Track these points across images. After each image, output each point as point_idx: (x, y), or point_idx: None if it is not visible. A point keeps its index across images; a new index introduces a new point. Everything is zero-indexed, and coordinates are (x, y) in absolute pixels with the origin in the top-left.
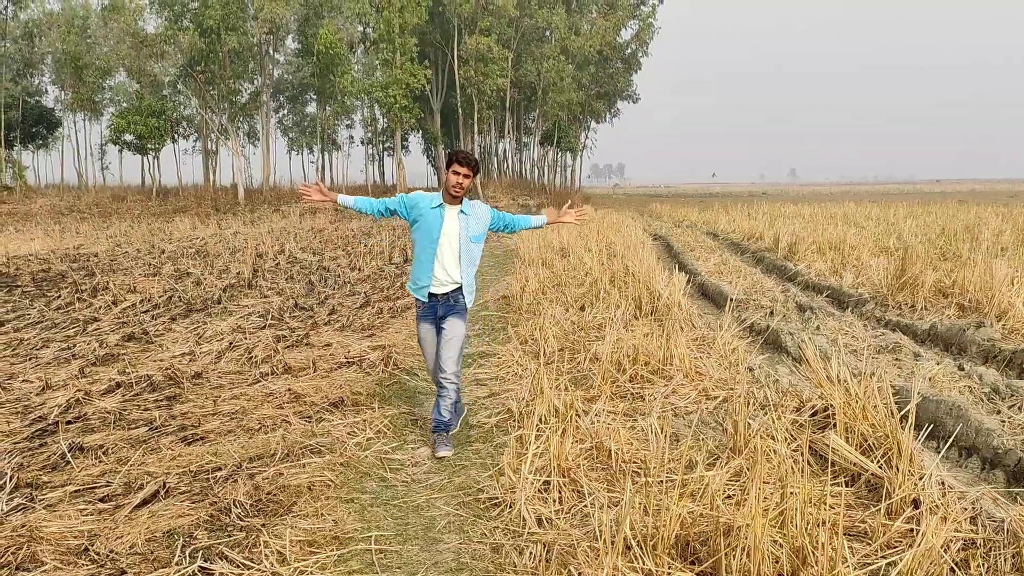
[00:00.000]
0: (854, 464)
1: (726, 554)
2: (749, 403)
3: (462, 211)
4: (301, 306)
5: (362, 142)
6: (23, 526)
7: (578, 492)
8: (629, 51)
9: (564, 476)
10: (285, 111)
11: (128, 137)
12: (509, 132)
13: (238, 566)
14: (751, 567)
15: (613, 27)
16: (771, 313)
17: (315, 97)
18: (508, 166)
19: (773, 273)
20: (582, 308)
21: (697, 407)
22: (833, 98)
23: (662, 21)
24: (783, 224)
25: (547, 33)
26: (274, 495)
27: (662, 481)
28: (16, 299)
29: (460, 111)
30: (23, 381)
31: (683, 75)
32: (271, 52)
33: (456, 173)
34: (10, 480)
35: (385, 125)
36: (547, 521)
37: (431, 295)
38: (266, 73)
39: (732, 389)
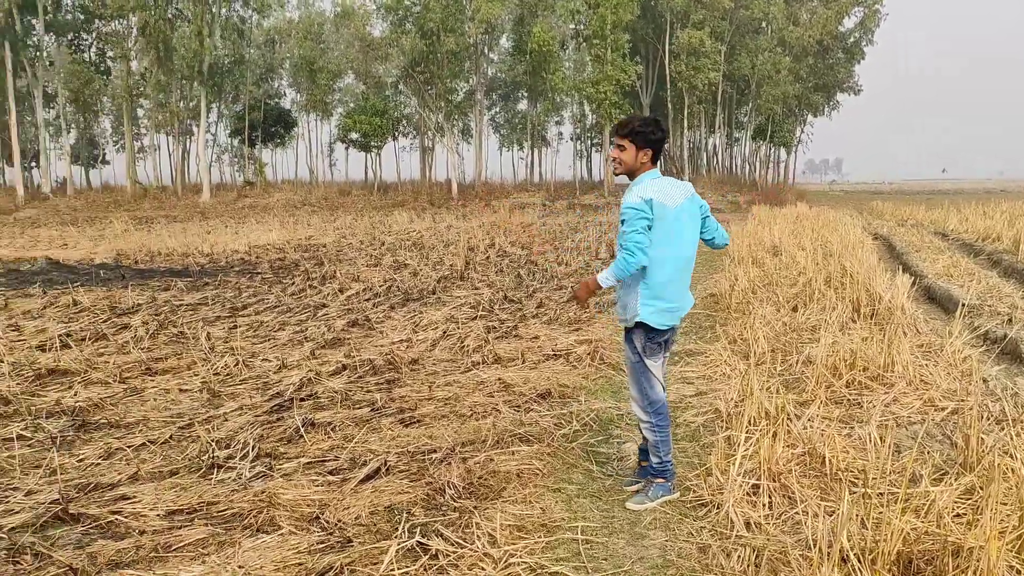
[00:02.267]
0: None
1: None
2: (983, 416)
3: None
4: (510, 298)
5: (571, 138)
6: (264, 492)
7: (789, 498)
8: (852, 40)
9: (774, 481)
10: (497, 109)
11: (354, 135)
12: (719, 127)
13: (453, 544)
14: None
15: (835, 15)
16: (1009, 320)
17: (526, 94)
18: (718, 162)
19: (1012, 277)
20: (794, 309)
21: (922, 418)
22: None
23: (890, 6)
24: None
25: (763, 24)
26: (485, 479)
27: (882, 493)
28: (256, 285)
29: (669, 106)
30: (263, 360)
31: (910, 63)
32: (486, 51)
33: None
34: (252, 450)
35: (594, 121)
36: (756, 525)
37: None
38: (480, 72)
39: (963, 401)
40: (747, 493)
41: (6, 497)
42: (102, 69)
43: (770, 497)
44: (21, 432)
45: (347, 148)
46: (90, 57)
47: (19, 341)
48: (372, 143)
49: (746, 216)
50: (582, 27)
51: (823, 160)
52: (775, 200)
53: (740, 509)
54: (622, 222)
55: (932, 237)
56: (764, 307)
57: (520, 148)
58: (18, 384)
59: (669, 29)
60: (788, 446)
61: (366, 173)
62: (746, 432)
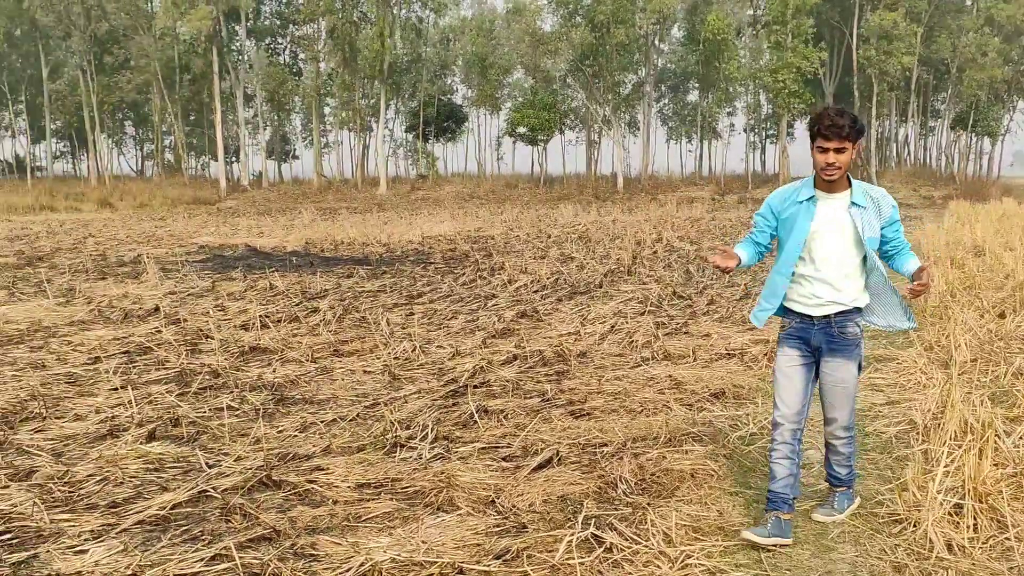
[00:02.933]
0: None
1: None
2: None
3: (854, 202)
4: (679, 295)
5: (743, 130)
6: (442, 473)
7: (998, 522)
8: None
9: (981, 501)
10: (666, 100)
11: (522, 129)
12: (913, 115)
13: (627, 539)
14: None
15: None
16: None
17: (697, 85)
18: (910, 153)
19: None
20: (1001, 315)
21: None
22: None
23: None
24: None
25: (967, 2)
26: (658, 477)
27: None
28: (430, 274)
29: (856, 94)
30: (438, 347)
31: None
32: (656, 42)
33: (822, 150)
34: (431, 432)
35: (770, 111)
36: (959, 548)
37: (795, 315)
38: (650, 63)
39: None
40: (948, 513)
41: (219, 461)
42: (295, 70)
43: (976, 519)
44: (230, 403)
45: (514, 142)
46: (284, 59)
47: (225, 320)
48: (539, 137)
49: (942, 212)
50: (760, 13)
51: None
52: (976, 195)
53: (941, 529)
54: (893, 222)
55: None
56: (965, 312)
57: (688, 140)
58: (226, 359)
59: (858, 11)
60: (997, 465)
61: (532, 166)
62: (947, 447)
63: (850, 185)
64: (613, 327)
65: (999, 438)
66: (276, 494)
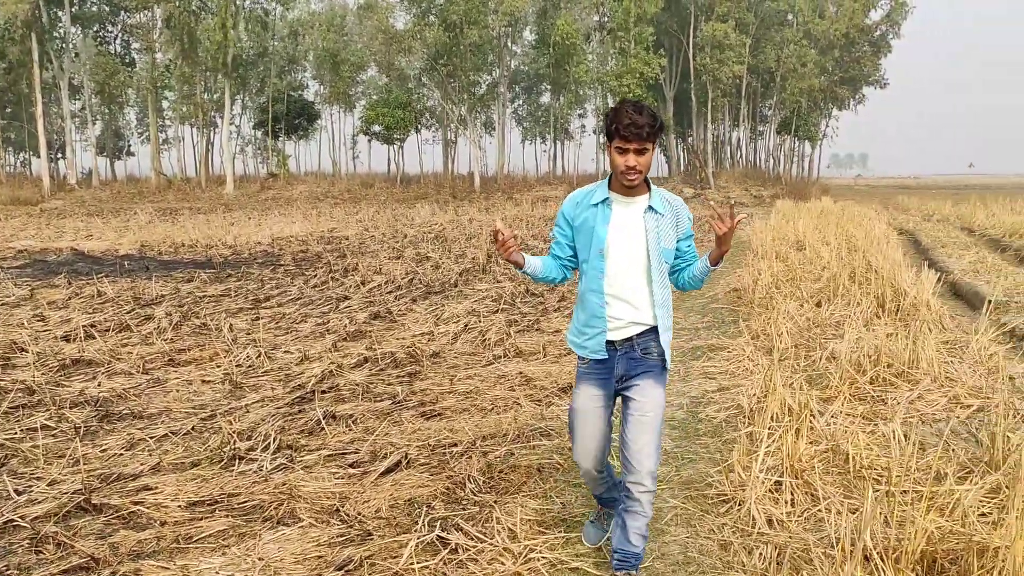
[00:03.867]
0: None
1: None
2: (1009, 414)
3: (651, 207)
4: (532, 292)
5: (594, 131)
6: (284, 484)
7: (812, 496)
8: (878, 32)
9: (797, 478)
10: (520, 102)
11: (377, 128)
12: (744, 120)
13: (472, 539)
14: None
15: (862, 7)
16: None
17: (549, 87)
18: (742, 155)
19: None
20: (818, 304)
21: (947, 415)
22: None
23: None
24: None
25: (789, 17)
26: (505, 474)
27: (906, 492)
28: (279, 277)
29: (693, 99)
30: (285, 352)
31: (939, 56)
32: (509, 44)
33: (622, 151)
34: (274, 441)
35: None
36: (778, 523)
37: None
38: (504, 65)
39: (989, 398)
40: (769, 490)
41: (30, 487)
42: (127, 61)
43: (793, 494)
44: (45, 422)
45: (370, 140)
46: (115, 49)
47: (44, 331)
48: (395, 136)
49: (770, 210)
50: (606, 20)
51: (848, 155)
52: (799, 194)
53: (762, 506)
54: (689, 236)
55: (958, 233)
56: (787, 302)
57: (543, 141)
58: (43, 374)
59: (694, 22)
60: (811, 443)
61: (388, 166)
62: (769, 428)
63: (648, 190)
64: (467, 326)
65: (813, 418)
66: (96, 519)
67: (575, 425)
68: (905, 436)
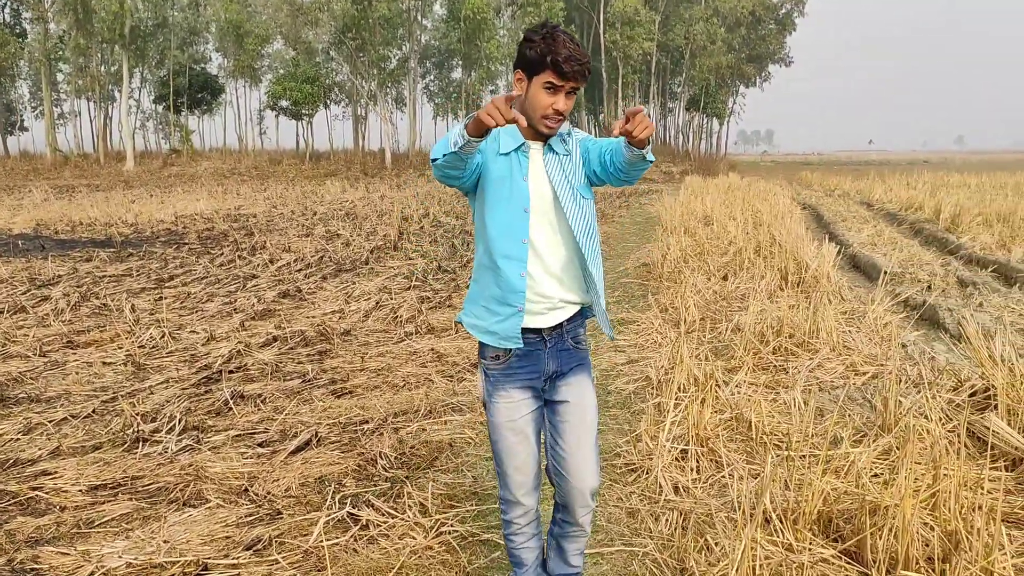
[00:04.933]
0: (1016, 448)
1: (872, 533)
2: (901, 380)
3: (550, 147)
4: (444, 268)
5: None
6: (191, 465)
7: (716, 462)
8: (784, 11)
9: (702, 446)
10: (431, 77)
11: (284, 103)
12: (654, 97)
13: (383, 514)
14: (899, 548)
15: None
16: (928, 288)
17: (460, 63)
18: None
19: (932, 246)
20: (725, 277)
21: (844, 382)
22: (1012, 57)
23: None
24: (946, 194)
25: None
26: (417, 449)
27: (804, 456)
28: (184, 255)
29: (604, 76)
30: (191, 332)
31: (840, 35)
32: (419, 18)
33: (552, 89)
34: (179, 423)
35: None
36: (684, 489)
37: (528, 333)
38: (414, 39)
39: (883, 365)
40: (676, 458)
41: None
42: (17, 32)
43: (698, 461)
44: None
45: (277, 116)
46: (4, 19)
47: None
48: (303, 111)
49: (679, 186)
50: None
51: (755, 131)
52: (708, 170)
53: (669, 474)
54: (598, 144)
55: (858, 207)
56: (695, 276)
57: (455, 117)
58: None
59: None
60: (716, 412)
61: (297, 142)
62: (675, 399)
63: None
64: (378, 303)
65: (719, 388)
66: None
67: (503, 449)
68: (805, 403)
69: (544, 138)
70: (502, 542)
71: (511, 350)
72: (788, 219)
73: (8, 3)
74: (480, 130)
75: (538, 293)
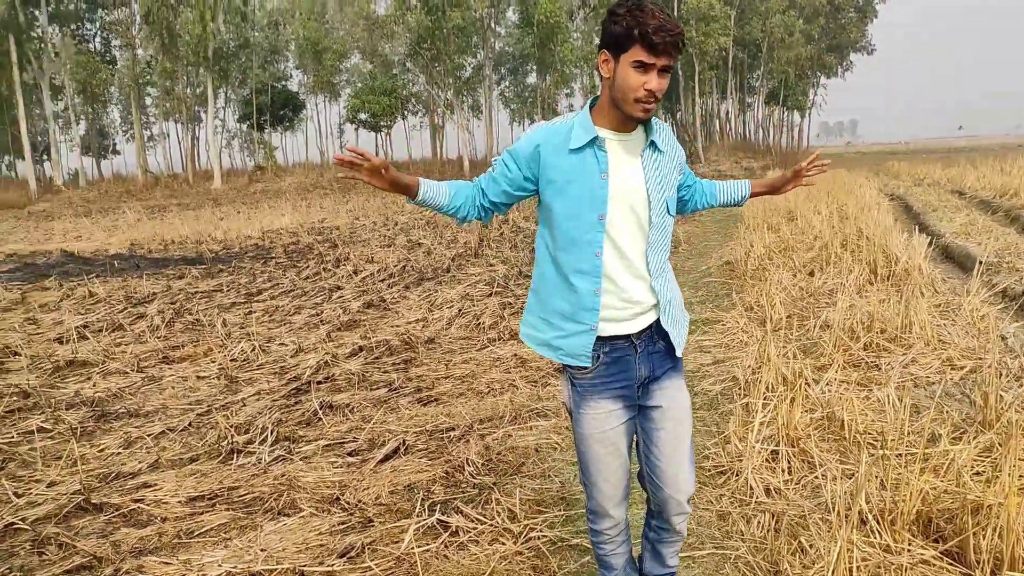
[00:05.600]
0: None
1: (975, 533)
2: (1001, 374)
3: (652, 143)
4: (525, 274)
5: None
6: (283, 475)
7: (808, 463)
8: None
9: (793, 446)
10: (506, 83)
11: (363, 116)
12: (732, 93)
13: (472, 521)
14: (1004, 548)
15: None
16: None
17: (535, 68)
18: (731, 128)
19: None
20: (811, 273)
21: (940, 378)
22: None
23: None
24: None
25: None
26: (503, 455)
27: (901, 455)
28: (271, 269)
29: (680, 73)
30: (280, 344)
31: (926, 19)
32: (492, 26)
33: (642, 67)
34: (271, 434)
35: None
36: (775, 491)
37: (607, 342)
38: (488, 47)
39: (981, 359)
40: (766, 459)
41: (29, 489)
42: (108, 59)
43: (789, 462)
44: (42, 424)
45: (356, 129)
46: (95, 47)
47: (37, 334)
48: (381, 123)
49: None
50: None
51: (837, 123)
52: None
53: (759, 475)
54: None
55: (949, 195)
56: (780, 272)
57: (531, 121)
58: (37, 377)
59: None
60: (807, 411)
61: (377, 153)
62: (764, 398)
63: (648, 123)
64: (460, 311)
65: (808, 386)
66: (97, 518)
67: (590, 460)
68: (899, 400)
69: (628, 128)
70: (591, 546)
71: (599, 356)
72: (875, 211)
73: (99, 32)
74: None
75: (624, 300)
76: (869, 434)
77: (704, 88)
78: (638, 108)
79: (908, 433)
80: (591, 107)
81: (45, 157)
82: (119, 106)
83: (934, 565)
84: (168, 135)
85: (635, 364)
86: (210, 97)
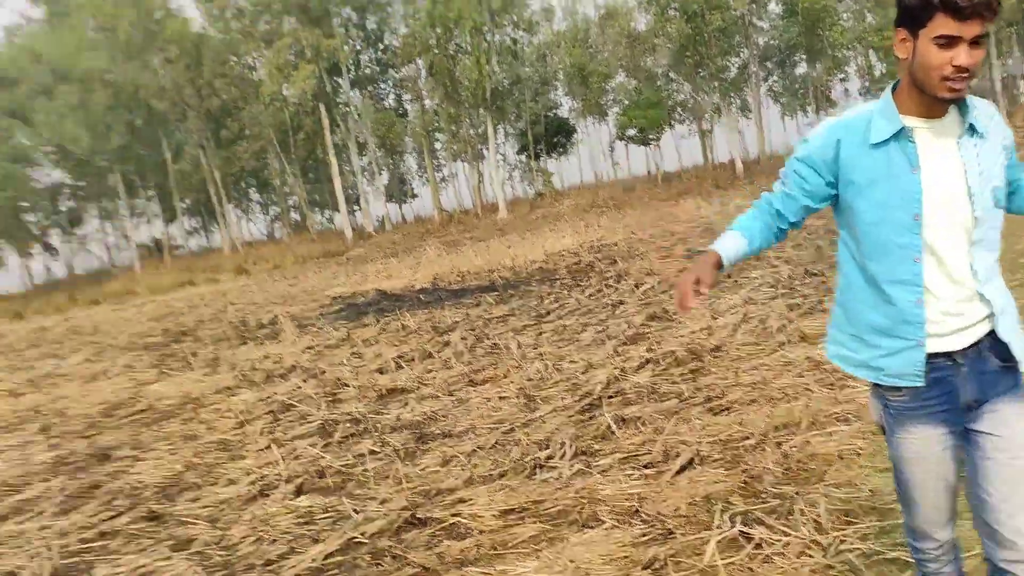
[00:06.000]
0: None
1: None
2: None
3: (971, 126)
4: (811, 272)
5: (859, 94)
6: (584, 488)
7: None
8: None
9: None
10: (774, 77)
11: (631, 131)
12: None
13: (776, 532)
14: None
15: None
16: None
17: (804, 57)
18: None
19: None
20: None
21: None
22: None
23: None
24: None
25: None
26: (804, 463)
27: None
28: (557, 290)
29: None
30: (570, 362)
31: None
32: (754, 21)
33: (947, 42)
34: (569, 448)
35: (884, 70)
36: None
37: (936, 357)
38: (751, 43)
39: None
40: None
41: (364, 507)
42: (400, 112)
43: None
44: (371, 447)
45: (626, 145)
46: (389, 104)
47: (361, 366)
48: (650, 136)
49: None
50: None
51: None
52: None
53: None
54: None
55: None
56: None
57: (804, 114)
58: (364, 405)
59: None
60: None
61: (648, 167)
62: None
63: (962, 105)
64: (745, 315)
65: None
66: (423, 532)
67: (909, 481)
68: None
69: (939, 112)
70: (912, 561)
71: (915, 383)
72: None
73: (391, 90)
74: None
75: (944, 312)
76: None
77: (1001, 48)
78: (945, 88)
79: None
80: (892, 92)
81: (356, 208)
82: (413, 154)
83: None
84: (456, 175)
85: (960, 386)
86: (490, 134)
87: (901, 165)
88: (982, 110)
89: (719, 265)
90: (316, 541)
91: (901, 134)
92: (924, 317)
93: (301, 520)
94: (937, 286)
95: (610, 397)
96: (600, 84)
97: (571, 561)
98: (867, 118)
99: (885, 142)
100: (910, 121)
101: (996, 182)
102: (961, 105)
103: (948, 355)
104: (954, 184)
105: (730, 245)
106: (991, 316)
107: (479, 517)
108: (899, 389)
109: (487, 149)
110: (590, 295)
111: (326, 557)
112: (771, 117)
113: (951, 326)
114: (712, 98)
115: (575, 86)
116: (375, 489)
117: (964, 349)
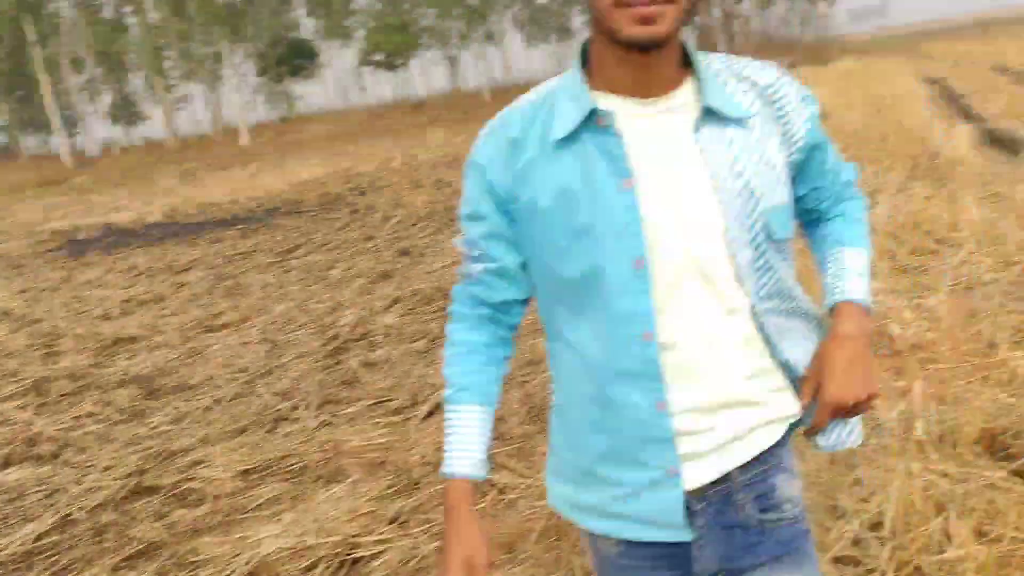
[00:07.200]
0: None
1: None
2: None
3: (709, 109)
4: None
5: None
6: (329, 441)
7: None
8: None
9: None
10: (518, 6)
11: (377, 56)
12: None
13: (518, 476)
14: None
15: None
16: None
17: None
18: (750, 28)
19: None
20: None
21: (995, 278)
22: None
23: None
24: None
25: None
26: (547, 402)
27: (956, 366)
28: (304, 223)
29: None
30: (316, 303)
31: None
32: None
33: None
34: (314, 398)
35: None
36: None
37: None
38: None
39: None
40: None
41: (85, 476)
42: (121, 27)
43: None
44: (92, 408)
45: (373, 70)
46: (107, 16)
47: (83, 312)
48: (397, 61)
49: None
50: None
51: (864, 6)
52: (818, 58)
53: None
54: (819, 143)
55: (990, 74)
56: None
57: (547, 43)
58: (86, 358)
59: None
60: None
61: (395, 93)
62: None
63: (689, 65)
64: None
65: None
66: (152, 500)
67: None
68: (952, 306)
69: (656, 83)
70: None
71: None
72: (914, 101)
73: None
74: None
75: (690, 428)
76: (920, 347)
77: None
78: (626, 19)
79: (963, 342)
80: (582, 62)
81: (77, 132)
82: (142, 72)
83: (1001, 488)
84: (193, 97)
85: (692, 550)
86: (225, 54)
87: (601, 174)
88: (742, 79)
89: (476, 490)
90: (27, 520)
91: (593, 121)
92: (671, 426)
93: (8, 497)
94: (682, 376)
95: (357, 340)
96: (344, 5)
97: (314, 521)
98: (539, 104)
99: (574, 136)
100: (608, 101)
101: (774, 199)
102: (702, 74)
103: (696, 499)
104: (692, 206)
105: (472, 441)
106: (756, 421)
107: (216, 480)
108: (608, 537)
109: (222, 70)
110: (339, 229)
111: (37, 538)
112: (515, 43)
113: (697, 447)
114: (459, 25)
115: (316, 5)
116: (97, 455)
117: (704, 487)
